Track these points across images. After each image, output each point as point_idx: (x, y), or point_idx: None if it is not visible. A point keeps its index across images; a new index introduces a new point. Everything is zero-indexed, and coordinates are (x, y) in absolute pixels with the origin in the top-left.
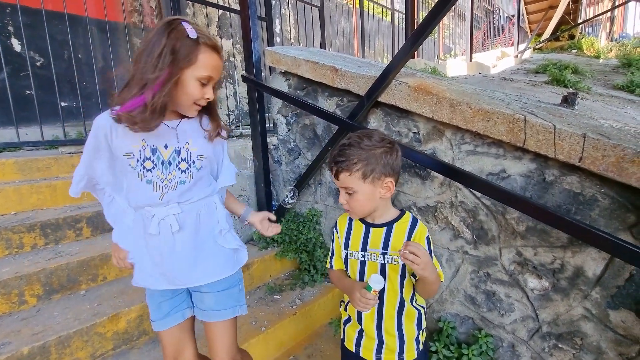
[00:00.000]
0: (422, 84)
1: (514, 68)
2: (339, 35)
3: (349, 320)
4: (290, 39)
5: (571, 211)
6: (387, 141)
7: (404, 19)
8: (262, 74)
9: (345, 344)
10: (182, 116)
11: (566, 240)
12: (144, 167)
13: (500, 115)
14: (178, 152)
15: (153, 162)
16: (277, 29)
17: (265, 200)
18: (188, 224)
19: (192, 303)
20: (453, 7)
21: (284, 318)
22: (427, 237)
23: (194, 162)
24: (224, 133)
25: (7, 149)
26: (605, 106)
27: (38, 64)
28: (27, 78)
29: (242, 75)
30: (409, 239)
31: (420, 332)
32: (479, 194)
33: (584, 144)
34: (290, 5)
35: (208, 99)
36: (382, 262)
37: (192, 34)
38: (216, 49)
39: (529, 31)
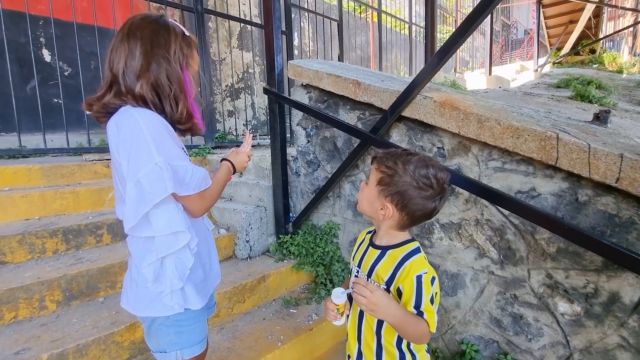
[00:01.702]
0: (448, 99)
1: (534, 82)
2: (356, 48)
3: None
4: (309, 51)
5: (606, 233)
6: (434, 183)
7: (421, 32)
8: (283, 86)
9: None
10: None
11: (600, 263)
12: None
13: (531, 133)
14: None
15: None
16: (296, 42)
17: (283, 212)
18: None
19: None
20: None
21: (300, 333)
22: (419, 277)
23: None
24: None
25: (34, 155)
26: (635, 123)
27: (66, 73)
28: (55, 87)
29: (264, 87)
30: (395, 271)
31: None
32: (506, 212)
33: (621, 164)
34: (309, 19)
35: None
36: None
37: (187, 32)
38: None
39: (548, 45)
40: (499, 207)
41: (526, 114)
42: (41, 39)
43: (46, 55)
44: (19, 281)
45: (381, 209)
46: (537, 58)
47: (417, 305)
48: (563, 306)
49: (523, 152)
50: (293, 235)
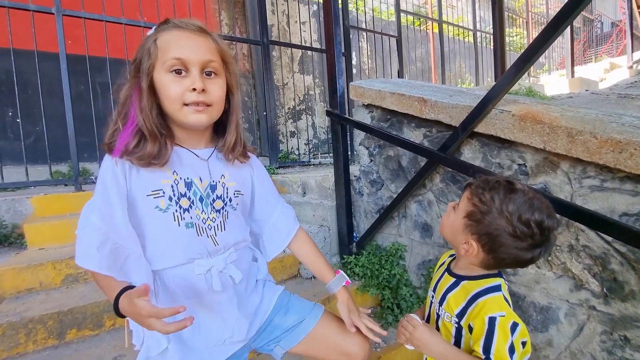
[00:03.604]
0: (529, 111)
1: (628, 81)
2: (416, 61)
3: None
4: (367, 69)
5: None
6: (535, 234)
7: (486, 38)
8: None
9: None
10: (216, 143)
11: None
12: (180, 207)
13: (637, 146)
14: (213, 188)
15: (190, 199)
16: (354, 61)
17: (346, 232)
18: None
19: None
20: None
21: None
22: (492, 319)
23: (230, 200)
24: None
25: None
26: None
27: None
28: None
29: (326, 110)
30: (467, 306)
31: None
32: (609, 238)
33: None
34: (367, 38)
35: (195, 89)
36: (438, 312)
37: (150, 31)
38: (183, 25)
39: None
40: (599, 232)
41: (628, 124)
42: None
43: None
44: None
45: (465, 243)
46: (632, 53)
47: (486, 350)
48: None
49: (628, 169)
50: (357, 256)
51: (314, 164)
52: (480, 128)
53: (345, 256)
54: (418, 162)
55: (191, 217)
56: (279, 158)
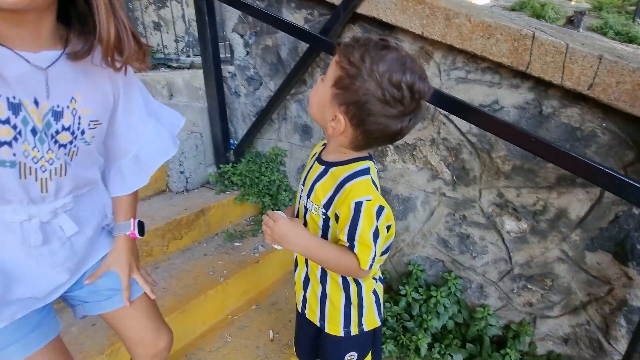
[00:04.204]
0: None
1: (487, 5)
2: None
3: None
4: None
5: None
6: (406, 97)
7: None
8: None
9: None
10: (64, 43)
11: (554, 180)
12: None
13: (504, 31)
14: (57, 116)
15: (16, 127)
16: None
17: (221, 138)
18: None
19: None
20: None
21: (246, 266)
22: (358, 204)
23: (82, 132)
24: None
25: None
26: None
27: None
28: None
29: None
30: (334, 194)
31: (353, 307)
32: (465, 129)
33: (598, 68)
34: None
35: None
36: (306, 205)
37: None
38: None
39: None
40: (457, 125)
41: (497, 13)
42: None
43: None
44: None
45: (332, 120)
46: None
47: (350, 237)
48: (510, 224)
49: (492, 57)
50: (235, 165)
51: (186, 67)
52: (363, 8)
53: (222, 165)
54: (298, 53)
55: (14, 154)
56: None
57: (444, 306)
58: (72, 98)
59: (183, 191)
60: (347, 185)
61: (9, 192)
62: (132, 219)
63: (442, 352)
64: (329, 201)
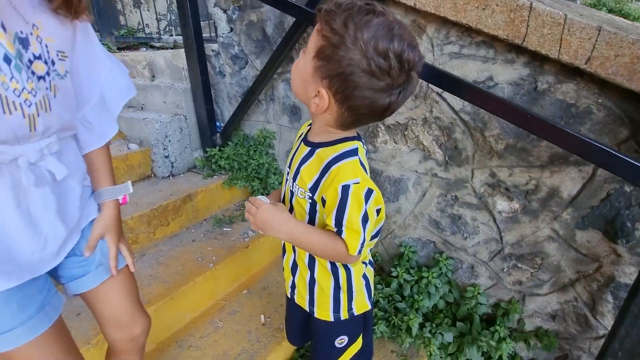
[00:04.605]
0: None
1: None
2: None
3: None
4: None
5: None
6: (394, 67)
7: None
8: None
9: None
10: None
11: (547, 159)
12: None
13: (501, 1)
14: (24, 43)
15: None
16: None
17: (207, 120)
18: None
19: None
20: None
21: (235, 252)
22: (345, 187)
23: (53, 62)
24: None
25: None
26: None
27: None
28: None
29: None
30: (321, 176)
31: (342, 292)
32: (458, 107)
33: (596, 40)
34: None
35: None
36: (292, 189)
37: None
38: None
39: None
40: (450, 104)
41: None
42: None
43: None
44: None
45: (315, 96)
46: None
47: (338, 222)
48: (502, 204)
49: (487, 29)
50: (222, 148)
51: (168, 46)
52: None
53: (208, 149)
54: (285, 28)
55: None
56: (121, 35)
57: (435, 286)
58: (34, 25)
59: (169, 176)
60: (334, 167)
61: None
62: (127, 182)
63: (433, 331)
64: (315, 184)
